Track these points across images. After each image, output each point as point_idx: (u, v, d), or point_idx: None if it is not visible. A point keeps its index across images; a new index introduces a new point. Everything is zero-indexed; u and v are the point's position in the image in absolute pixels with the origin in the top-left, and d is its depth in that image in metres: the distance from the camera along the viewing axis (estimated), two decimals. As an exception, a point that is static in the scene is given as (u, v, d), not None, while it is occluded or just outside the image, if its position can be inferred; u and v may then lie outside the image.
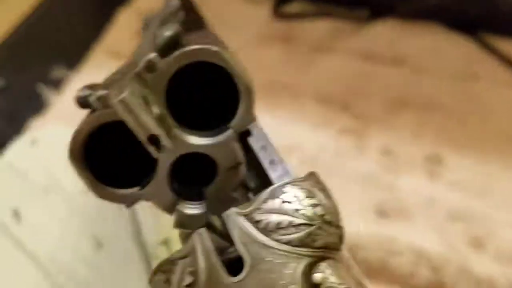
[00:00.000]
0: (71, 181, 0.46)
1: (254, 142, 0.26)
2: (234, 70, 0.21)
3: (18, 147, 0.58)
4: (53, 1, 0.85)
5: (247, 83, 0.21)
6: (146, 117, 0.21)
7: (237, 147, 0.22)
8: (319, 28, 0.73)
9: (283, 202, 0.20)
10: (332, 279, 0.19)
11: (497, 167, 0.53)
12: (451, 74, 0.65)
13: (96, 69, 0.71)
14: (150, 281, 0.22)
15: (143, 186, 0.23)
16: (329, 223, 0.20)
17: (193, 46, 0.21)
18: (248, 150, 0.25)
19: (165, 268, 0.21)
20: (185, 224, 0.22)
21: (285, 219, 0.20)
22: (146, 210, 0.46)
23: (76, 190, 0.49)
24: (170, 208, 0.23)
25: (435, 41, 0.69)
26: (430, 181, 0.52)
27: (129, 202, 0.23)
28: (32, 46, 0.77)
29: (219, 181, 0.23)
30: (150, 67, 0.21)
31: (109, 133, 0.23)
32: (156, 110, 0.21)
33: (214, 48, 0.21)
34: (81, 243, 0.47)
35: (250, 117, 0.22)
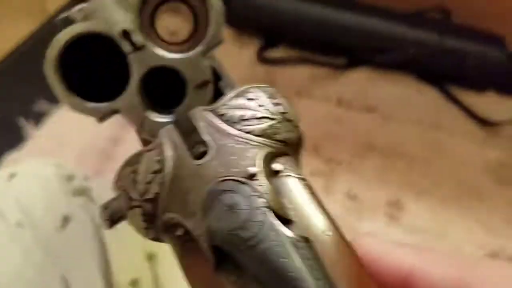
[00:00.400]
0: (44, 218, 0.46)
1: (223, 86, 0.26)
2: None
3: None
4: (44, 35, 0.88)
5: (216, 3, 0.22)
6: (120, 14, 0.22)
7: (205, 64, 0.23)
8: (300, 73, 0.77)
9: (248, 99, 0.22)
10: (292, 171, 0.21)
11: (454, 214, 0.55)
12: (417, 122, 0.69)
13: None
14: (117, 177, 0.22)
15: (114, 99, 0.23)
16: (289, 121, 0.22)
17: None
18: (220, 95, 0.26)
19: (132, 161, 0.22)
20: (154, 132, 0.23)
21: (248, 112, 0.22)
22: (116, 249, 0.47)
23: (49, 227, 0.49)
24: (137, 120, 0.23)
25: (405, 91, 0.73)
26: (389, 225, 0.55)
27: (100, 115, 0.23)
28: (17, 78, 0.79)
29: (189, 100, 0.23)
30: None
31: (86, 48, 0.24)
32: (130, 20, 0.22)
33: None
34: (49, 283, 0.47)
35: (219, 37, 0.23)
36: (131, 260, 0.50)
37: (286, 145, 0.22)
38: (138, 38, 0.22)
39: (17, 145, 0.67)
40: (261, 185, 0.20)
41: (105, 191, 0.49)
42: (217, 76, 0.25)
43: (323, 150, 0.65)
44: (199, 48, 0.23)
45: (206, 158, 0.21)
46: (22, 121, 0.71)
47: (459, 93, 0.71)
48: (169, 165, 0.21)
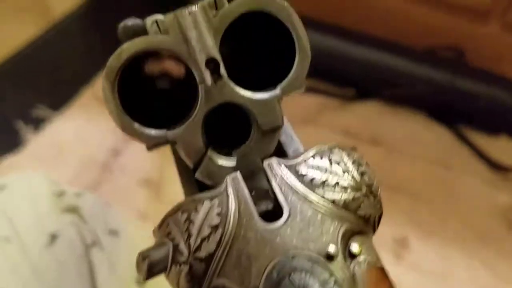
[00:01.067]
0: (32, 234, 0.45)
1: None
2: (298, 30, 0.20)
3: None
4: (49, 40, 0.88)
5: (306, 46, 0.20)
6: (210, 39, 0.20)
7: (279, 109, 0.21)
8: (308, 101, 0.77)
9: (332, 161, 0.20)
10: (369, 254, 0.19)
11: (460, 255, 0.54)
12: (424, 159, 0.68)
13: (80, 112, 0.72)
14: (165, 223, 0.20)
15: (173, 127, 0.21)
16: (374, 195, 0.20)
17: None
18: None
19: (188, 207, 0.19)
20: (212, 174, 0.21)
21: (333, 178, 0.19)
22: (105, 271, 0.46)
23: (36, 244, 0.48)
24: (194, 156, 0.21)
25: (414, 127, 0.72)
26: (395, 262, 0.53)
27: (152, 143, 0.21)
28: (19, 81, 0.79)
29: (253, 143, 0.21)
30: (216, 2, 0.20)
31: (149, 67, 0.22)
32: (217, 48, 0.20)
33: (284, 2, 0.20)
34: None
35: (301, 83, 0.21)
36: (120, 283, 0.48)
37: (366, 223, 0.20)
38: (223, 70, 0.20)
39: (14, 149, 0.66)
40: (340, 271, 0.18)
41: (96, 209, 0.48)
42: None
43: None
44: (277, 91, 0.21)
45: (278, 222, 0.18)
46: (20, 125, 0.70)
47: (470, 134, 0.71)
48: (232, 221, 0.19)
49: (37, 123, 0.70)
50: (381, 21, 0.79)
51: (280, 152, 0.23)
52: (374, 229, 0.20)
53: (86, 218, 0.46)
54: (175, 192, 0.66)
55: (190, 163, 0.21)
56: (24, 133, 0.69)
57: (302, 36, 0.20)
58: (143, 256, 0.19)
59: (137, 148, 0.68)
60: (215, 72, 0.20)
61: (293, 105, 0.76)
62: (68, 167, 0.65)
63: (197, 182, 0.22)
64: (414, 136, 0.71)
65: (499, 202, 0.62)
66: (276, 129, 0.21)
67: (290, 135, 0.24)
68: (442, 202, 0.61)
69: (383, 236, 0.57)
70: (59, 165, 0.65)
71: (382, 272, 0.19)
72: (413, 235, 0.56)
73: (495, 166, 0.66)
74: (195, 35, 0.19)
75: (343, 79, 0.78)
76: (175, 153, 0.24)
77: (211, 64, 0.20)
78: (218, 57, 0.20)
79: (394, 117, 0.74)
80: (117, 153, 0.67)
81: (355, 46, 0.76)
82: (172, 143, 0.21)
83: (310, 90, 0.78)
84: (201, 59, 0.20)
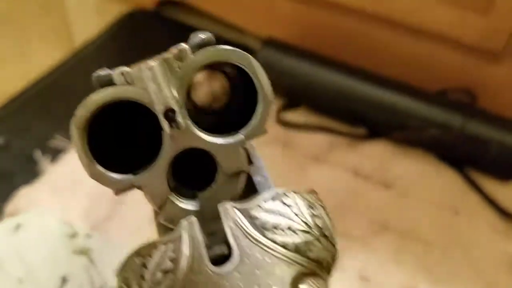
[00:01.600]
0: (45, 276, 0.46)
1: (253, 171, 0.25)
2: (260, 78, 0.22)
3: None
4: (69, 68, 0.90)
5: (268, 94, 0.22)
6: (168, 90, 0.21)
7: (243, 154, 0.22)
8: (319, 139, 0.78)
9: (284, 204, 0.21)
10: None
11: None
12: (435, 204, 0.68)
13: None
14: (122, 267, 0.20)
15: (138, 173, 0.22)
16: (327, 238, 0.21)
17: (226, 46, 0.22)
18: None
19: (144, 252, 0.20)
20: (174, 218, 0.22)
21: (285, 221, 0.20)
22: None
23: (48, 286, 0.48)
24: (159, 201, 0.22)
25: (424, 169, 0.73)
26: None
27: (120, 188, 0.22)
28: (37, 111, 0.81)
29: (217, 187, 0.22)
30: (180, 55, 0.21)
31: (116, 115, 0.23)
32: (175, 95, 0.21)
33: (245, 53, 0.22)
34: None
35: (263, 128, 0.22)
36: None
37: (319, 265, 0.20)
38: (181, 119, 0.22)
39: (31, 179, 0.67)
40: None
41: (105, 251, 0.49)
42: (248, 160, 0.24)
43: (336, 223, 0.65)
44: (240, 136, 0.22)
45: (227, 266, 0.19)
46: (38, 155, 0.72)
47: (481, 179, 0.71)
48: (183, 266, 0.19)
49: (55, 154, 0.72)
50: (394, 62, 0.81)
51: (255, 193, 0.24)
52: (328, 272, 0.21)
53: (96, 261, 0.48)
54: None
55: (155, 207, 0.22)
56: (41, 163, 0.71)
57: (263, 84, 0.22)
58: None
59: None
60: (173, 121, 0.21)
61: (304, 142, 0.78)
62: (82, 199, 0.66)
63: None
64: (424, 179, 0.72)
65: (509, 251, 0.62)
66: (240, 172, 0.22)
67: (267, 177, 0.25)
68: (452, 249, 0.62)
69: (393, 283, 0.57)
70: (73, 197, 0.66)
71: None
72: (423, 284, 0.57)
73: (504, 213, 0.67)
74: (154, 88, 0.21)
75: (355, 118, 0.79)
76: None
77: (170, 113, 0.21)
78: (175, 107, 0.21)
79: (404, 159, 0.75)
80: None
81: (367, 85, 0.77)
82: (138, 188, 0.22)
83: (321, 128, 0.79)
84: (159, 110, 0.21)
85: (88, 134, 0.22)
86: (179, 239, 0.20)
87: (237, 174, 0.22)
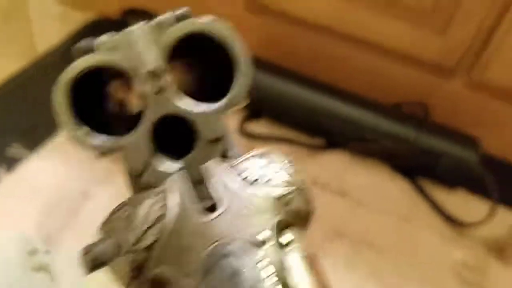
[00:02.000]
0: None
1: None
2: (237, 51, 0.22)
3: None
4: (29, 77, 0.90)
5: (245, 66, 0.22)
6: (152, 53, 0.21)
7: (222, 120, 0.22)
8: (279, 150, 0.80)
9: (268, 161, 0.21)
10: (298, 245, 0.20)
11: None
12: (388, 212, 0.71)
13: (55, 154, 0.74)
14: (108, 219, 0.20)
15: (121, 135, 0.22)
16: (305, 193, 0.22)
17: (205, 18, 0.22)
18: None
19: (132, 202, 0.20)
20: (158, 179, 0.22)
21: (267, 174, 0.21)
22: None
23: None
24: (141, 164, 0.22)
25: (379, 179, 0.76)
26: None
27: (102, 150, 0.22)
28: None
29: (197, 153, 0.23)
30: (161, 24, 0.22)
31: (98, 80, 0.23)
32: (159, 61, 0.22)
33: (225, 24, 0.22)
34: None
35: (241, 98, 0.22)
36: None
37: (297, 217, 0.21)
38: (164, 81, 0.22)
39: (-15, 189, 0.67)
40: (272, 254, 0.19)
41: (64, 265, 0.49)
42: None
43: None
44: (220, 104, 0.22)
45: (213, 215, 0.20)
46: (-6, 164, 0.71)
47: (431, 188, 0.75)
48: (172, 214, 0.20)
49: (11, 164, 0.71)
50: (353, 76, 0.84)
51: (223, 157, 0.25)
52: (305, 225, 0.22)
53: (55, 276, 0.48)
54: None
55: (136, 170, 0.22)
56: (-2, 172, 0.70)
57: (241, 57, 0.22)
58: (86, 250, 0.20)
59: (108, 193, 0.70)
60: (156, 83, 0.21)
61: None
62: (37, 210, 0.66)
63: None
64: (379, 188, 0.75)
65: (453, 257, 0.65)
66: (219, 139, 0.23)
67: (231, 142, 0.26)
68: (402, 256, 0.65)
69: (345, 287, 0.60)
70: (28, 207, 0.66)
71: (310, 261, 0.21)
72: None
73: (451, 221, 0.70)
74: (139, 49, 0.21)
75: (313, 129, 0.81)
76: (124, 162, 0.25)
77: (153, 76, 0.21)
78: (160, 69, 0.21)
79: (360, 169, 0.78)
80: (88, 196, 0.69)
81: (326, 98, 0.80)
82: (119, 150, 0.22)
83: (282, 139, 0.81)
84: (144, 71, 0.21)
85: (71, 101, 0.22)
86: (168, 189, 0.20)
87: (216, 140, 0.23)
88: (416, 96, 0.82)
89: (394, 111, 0.80)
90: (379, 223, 0.69)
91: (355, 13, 0.77)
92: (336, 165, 0.79)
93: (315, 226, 0.70)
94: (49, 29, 1.00)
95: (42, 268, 0.49)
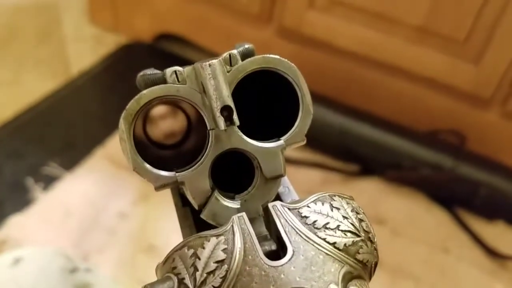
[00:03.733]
0: None
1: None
2: (303, 89, 0.23)
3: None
4: (65, 97, 0.92)
5: (309, 104, 0.23)
6: (226, 88, 0.22)
7: (282, 160, 0.23)
8: (313, 176, 0.81)
9: (332, 207, 0.21)
10: None
11: None
12: (425, 242, 0.71)
13: (91, 173, 0.76)
14: (171, 258, 0.21)
15: (181, 170, 0.23)
16: (372, 242, 0.21)
17: (274, 55, 0.23)
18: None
19: (194, 243, 0.21)
20: (217, 215, 0.23)
21: (334, 222, 0.21)
22: None
23: None
24: (201, 198, 0.23)
25: (415, 208, 0.76)
26: None
27: (162, 183, 0.23)
28: (33, 137, 0.83)
29: (255, 189, 0.23)
30: (231, 59, 0.23)
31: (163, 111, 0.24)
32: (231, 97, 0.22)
33: (291, 63, 0.23)
34: None
35: (302, 137, 0.24)
36: None
37: (364, 268, 0.21)
38: (236, 117, 0.22)
39: (23, 207, 0.69)
40: None
41: (104, 285, 0.50)
42: None
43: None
44: (281, 142, 0.23)
45: (283, 260, 0.20)
46: (30, 183, 0.73)
47: (468, 219, 0.75)
48: (237, 258, 0.20)
49: (48, 182, 0.73)
50: (387, 102, 0.85)
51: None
52: (370, 276, 0.22)
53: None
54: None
55: (196, 204, 0.23)
56: (33, 191, 0.72)
57: (306, 95, 0.23)
58: None
59: (144, 212, 0.72)
60: (228, 119, 0.22)
61: (298, 178, 0.81)
62: (75, 229, 0.68)
63: (196, 225, 0.25)
64: (415, 217, 0.75)
65: (496, 291, 0.65)
66: (278, 177, 0.23)
67: (287, 187, 0.26)
68: (441, 287, 0.64)
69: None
70: (64, 227, 0.68)
71: None
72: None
73: (492, 253, 0.70)
74: (213, 84, 0.22)
75: (348, 155, 0.82)
76: (175, 196, 0.27)
77: (225, 111, 0.22)
78: (232, 105, 0.22)
79: (396, 197, 0.78)
80: (124, 217, 0.70)
81: (362, 124, 0.81)
82: (180, 184, 0.23)
83: (315, 164, 0.82)
84: (217, 106, 0.22)
85: (134, 129, 0.23)
86: (230, 231, 0.21)
87: (274, 178, 0.23)
88: (451, 125, 0.83)
89: (430, 139, 0.81)
90: (416, 253, 0.69)
91: (389, 41, 0.79)
92: (371, 193, 0.79)
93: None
94: (83, 51, 1.04)
95: (83, 286, 0.50)
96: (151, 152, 0.25)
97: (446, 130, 0.83)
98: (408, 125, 0.82)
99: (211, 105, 0.22)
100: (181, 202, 0.26)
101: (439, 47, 0.77)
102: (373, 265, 0.22)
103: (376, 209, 0.76)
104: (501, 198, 0.73)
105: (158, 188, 0.23)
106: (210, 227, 0.22)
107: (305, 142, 0.24)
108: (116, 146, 0.81)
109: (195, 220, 0.25)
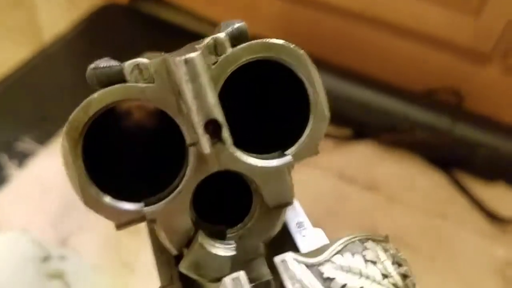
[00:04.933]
0: None
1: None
2: (315, 85, 0.17)
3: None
4: (37, 66, 0.88)
5: (324, 104, 0.17)
6: (211, 92, 0.15)
7: (290, 181, 0.17)
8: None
9: (366, 261, 0.16)
10: None
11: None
12: (421, 207, 0.69)
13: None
14: None
15: (151, 202, 0.16)
16: None
17: (276, 40, 0.17)
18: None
19: None
20: (202, 266, 0.16)
21: (369, 284, 0.16)
22: None
23: None
24: (180, 240, 0.16)
25: (411, 172, 0.74)
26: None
27: (127, 221, 0.17)
28: (6, 110, 0.79)
29: (253, 222, 0.17)
30: (218, 46, 0.16)
31: (119, 124, 0.18)
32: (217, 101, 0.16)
33: (300, 50, 0.17)
34: None
35: (315, 149, 0.18)
36: None
37: None
38: (227, 134, 0.16)
39: (-2, 186, 0.66)
40: None
41: (80, 273, 0.48)
42: None
43: (323, 227, 0.65)
44: (289, 157, 0.17)
45: None
46: (4, 160, 0.70)
47: (467, 181, 0.72)
48: None
49: (22, 158, 0.70)
50: (381, 62, 0.81)
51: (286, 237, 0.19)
52: None
53: (71, 284, 0.46)
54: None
55: (172, 249, 0.17)
56: (7, 168, 0.69)
57: (319, 92, 0.18)
58: None
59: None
60: (215, 136, 0.16)
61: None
62: (52, 207, 0.65)
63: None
64: (412, 182, 0.72)
65: (496, 256, 0.63)
66: (285, 205, 0.17)
67: (300, 212, 0.20)
68: (439, 256, 0.62)
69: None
70: (41, 206, 0.65)
71: None
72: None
73: (492, 216, 0.68)
74: (192, 89, 0.15)
75: (340, 119, 0.79)
76: (152, 232, 0.20)
77: (211, 125, 0.16)
78: (220, 118, 0.16)
79: (390, 161, 0.75)
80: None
81: (354, 86, 0.77)
82: (150, 222, 0.17)
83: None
84: (199, 120, 0.16)
85: (86, 149, 0.16)
86: None
87: (279, 207, 0.17)
88: (449, 83, 0.79)
89: (427, 99, 0.77)
90: (413, 220, 0.67)
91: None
92: (364, 157, 0.76)
93: (342, 223, 0.68)
94: (55, 16, 0.98)
95: (57, 275, 0.48)
96: (109, 173, 0.17)
97: (443, 89, 0.79)
98: (403, 86, 0.79)
99: (191, 118, 0.16)
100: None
101: (436, 0, 0.72)
102: None
103: (370, 174, 0.73)
104: (501, 158, 0.71)
105: (120, 226, 0.17)
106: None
107: (317, 154, 0.18)
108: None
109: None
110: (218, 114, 0.16)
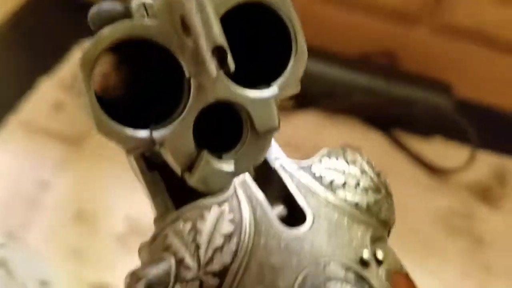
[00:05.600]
0: None
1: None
2: (295, 26, 0.19)
3: None
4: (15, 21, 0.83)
5: (303, 43, 0.20)
6: (217, 22, 0.17)
7: (276, 110, 0.20)
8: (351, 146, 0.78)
9: (348, 162, 0.19)
10: (393, 260, 0.18)
11: (408, 263, 0.57)
12: (365, 168, 0.71)
13: (3, 143, 0.70)
14: (163, 234, 0.17)
15: (158, 127, 0.18)
16: (391, 197, 0.20)
17: None
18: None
19: (190, 215, 0.17)
20: (209, 180, 0.18)
21: (352, 179, 0.18)
22: None
23: None
24: (186, 160, 0.18)
25: (352, 135, 0.75)
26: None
27: (136, 145, 0.18)
28: None
29: (245, 147, 0.19)
30: None
31: (131, 55, 0.19)
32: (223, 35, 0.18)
33: None
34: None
35: (296, 82, 0.20)
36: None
37: (385, 228, 0.19)
38: (231, 59, 0.18)
39: None
40: (375, 279, 0.17)
41: (24, 260, 0.47)
42: None
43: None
44: (275, 89, 0.19)
45: (303, 228, 0.17)
46: None
47: (406, 139, 0.74)
48: (248, 229, 0.17)
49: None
50: (314, 29, 0.82)
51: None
52: (388, 235, 0.20)
53: (14, 272, 0.45)
54: (111, 226, 0.65)
55: (178, 168, 0.19)
56: None
57: (298, 32, 0.20)
58: (137, 276, 0.17)
59: (67, 179, 0.67)
60: (222, 62, 0.17)
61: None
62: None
63: (170, 195, 0.21)
64: (353, 144, 0.74)
65: (439, 206, 0.66)
66: (272, 131, 0.20)
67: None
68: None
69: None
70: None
71: (408, 278, 0.19)
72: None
73: (432, 169, 0.71)
74: (201, 19, 0.17)
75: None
76: (139, 160, 0.22)
77: (220, 53, 0.17)
78: (225, 44, 0.17)
79: (332, 127, 0.77)
80: (46, 186, 0.65)
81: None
82: (158, 145, 0.18)
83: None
84: (207, 47, 0.17)
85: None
86: (235, 198, 0.17)
87: (267, 133, 0.20)
88: (383, 46, 0.81)
89: (362, 63, 0.79)
90: (358, 180, 0.69)
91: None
92: (308, 125, 0.77)
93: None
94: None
95: (-1, 264, 0.47)
96: (118, 103, 0.20)
97: (378, 52, 0.81)
98: (338, 52, 0.80)
99: (199, 46, 0.17)
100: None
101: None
102: (392, 224, 0.20)
103: (314, 143, 0.75)
104: (435, 113, 0.73)
105: (130, 150, 0.19)
106: (183, 197, 0.19)
107: (299, 90, 0.20)
108: (30, 111, 0.74)
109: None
110: (223, 41, 0.17)
